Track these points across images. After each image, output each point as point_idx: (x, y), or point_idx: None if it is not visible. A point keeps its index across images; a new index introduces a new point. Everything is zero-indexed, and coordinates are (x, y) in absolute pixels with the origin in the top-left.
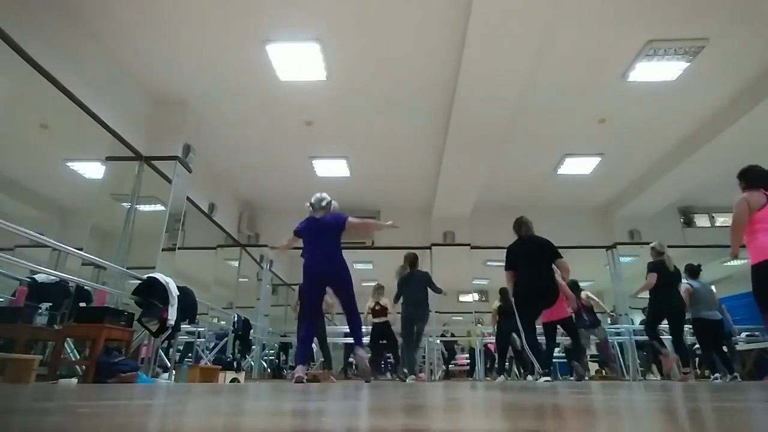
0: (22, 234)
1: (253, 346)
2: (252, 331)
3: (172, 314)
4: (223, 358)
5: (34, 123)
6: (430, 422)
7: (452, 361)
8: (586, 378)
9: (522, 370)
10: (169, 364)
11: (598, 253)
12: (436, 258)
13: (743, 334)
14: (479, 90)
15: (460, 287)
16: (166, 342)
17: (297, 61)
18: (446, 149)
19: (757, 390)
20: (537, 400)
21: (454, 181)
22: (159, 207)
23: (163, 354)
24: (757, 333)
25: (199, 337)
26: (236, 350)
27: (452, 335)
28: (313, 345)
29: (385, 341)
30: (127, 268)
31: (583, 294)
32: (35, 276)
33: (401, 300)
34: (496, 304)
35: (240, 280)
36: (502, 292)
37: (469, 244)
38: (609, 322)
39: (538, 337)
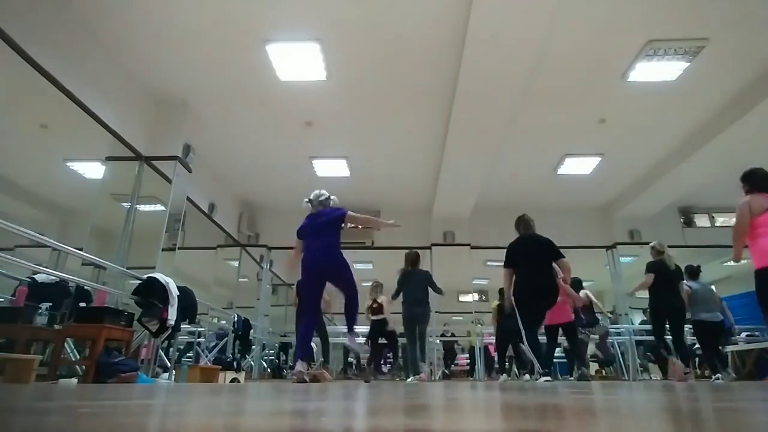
0: (22, 234)
1: (253, 346)
2: (252, 331)
3: (172, 314)
4: (223, 358)
5: (34, 123)
6: (430, 422)
7: (452, 362)
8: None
9: (520, 370)
10: (169, 364)
11: (598, 253)
12: (436, 258)
13: (743, 334)
14: (479, 90)
15: (460, 287)
16: (166, 342)
17: (297, 61)
18: (446, 149)
19: (756, 390)
20: (537, 400)
21: (454, 181)
22: (159, 207)
23: (163, 354)
24: (757, 333)
25: (199, 337)
26: (236, 350)
27: (452, 335)
28: (313, 345)
29: (385, 340)
30: (127, 268)
31: (582, 293)
32: (35, 276)
33: (401, 299)
34: (496, 303)
35: (240, 280)
36: (502, 292)
37: (469, 244)
38: (608, 322)
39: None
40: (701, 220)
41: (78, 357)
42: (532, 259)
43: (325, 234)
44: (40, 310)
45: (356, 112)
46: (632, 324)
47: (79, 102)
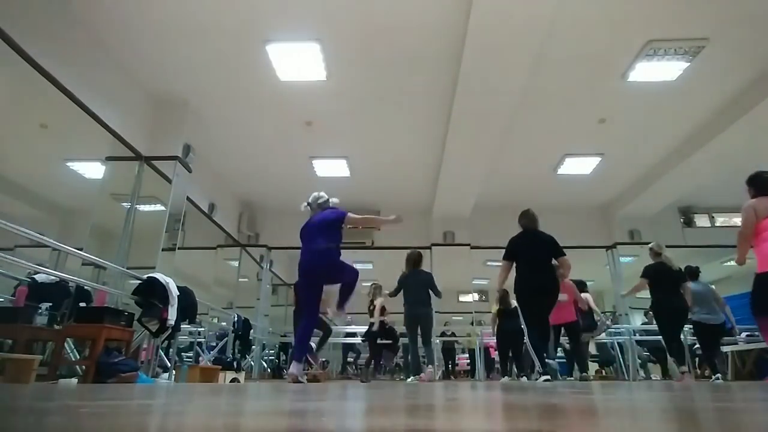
0: (22, 234)
1: (253, 346)
2: (252, 331)
3: (172, 314)
4: (223, 358)
5: (34, 123)
6: (430, 422)
7: (452, 362)
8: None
9: (520, 372)
10: (169, 364)
11: (598, 253)
12: (436, 258)
13: (743, 334)
14: (479, 90)
15: (460, 287)
16: (166, 342)
17: (297, 61)
18: (446, 149)
19: (756, 390)
20: (536, 400)
21: (454, 181)
22: (159, 207)
23: (163, 354)
24: (757, 333)
25: (197, 337)
26: (236, 350)
27: (452, 334)
28: (312, 344)
29: (389, 341)
30: (127, 268)
31: (583, 295)
32: (35, 276)
33: (403, 299)
34: (495, 307)
35: (240, 280)
36: (502, 293)
37: (469, 244)
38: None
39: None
40: (701, 220)
41: (78, 357)
42: (533, 255)
43: (320, 236)
44: (40, 310)
45: (356, 112)
46: (632, 324)
47: (79, 102)
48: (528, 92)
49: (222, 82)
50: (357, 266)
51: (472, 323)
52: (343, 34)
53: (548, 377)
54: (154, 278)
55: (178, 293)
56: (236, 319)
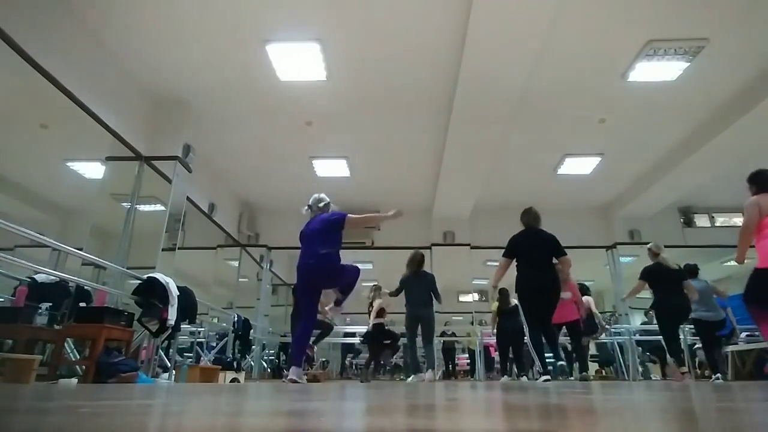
0: (22, 234)
1: (253, 346)
2: (252, 331)
3: (172, 314)
4: (223, 358)
5: (34, 123)
6: (430, 422)
7: (453, 361)
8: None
9: (519, 372)
10: (169, 364)
11: (598, 253)
12: (436, 258)
13: (743, 334)
14: (479, 90)
15: (460, 287)
16: (166, 342)
17: (297, 61)
18: (446, 149)
19: (756, 390)
20: (536, 400)
21: (454, 181)
22: (159, 207)
23: (163, 354)
24: (757, 333)
25: (198, 337)
26: (236, 350)
27: (453, 334)
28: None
29: (387, 341)
30: (127, 268)
31: (585, 299)
32: (35, 276)
33: (404, 300)
34: (495, 305)
35: (240, 280)
36: (502, 292)
37: (469, 244)
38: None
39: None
40: (701, 220)
41: (78, 357)
42: (534, 254)
43: (319, 239)
44: (40, 310)
45: (356, 113)
46: (632, 324)
47: (79, 102)
48: (528, 92)
49: (222, 82)
50: (357, 267)
51: (472, 323)
52: (343, 35)
53: (548, 377)
54: (154, 278)
55: (178, 293)
56: (236, 319)
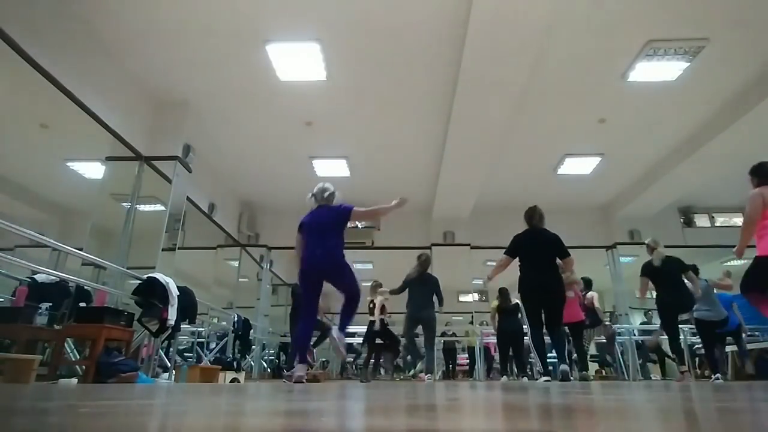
0: (22, 234)
1: (253, 346)
2: (252, 331)
3: (172, 314)
4: (223, 358)
5: (34, 123)
6: (430, 422)
7: (453, 362)
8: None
9: (519, 372)
10: (169, 364)
11: (598, 253)
12: (436, 258)
13: (743, 335)
14: (479, 90)
15: (460, 287)
16: (166, 342)
17: (297, 61)
18: (446, 149)
19: (756, 390)
20: (536, 400)
21: (454, 181)
22: (159, 207)
23: (163, 354)
24: (757, 333)
25: (199, 337)
26: (236, 350)
27: (453, 334)
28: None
29: (383, 341)
30: (127, 268)
31: (589, 294)
32: (35, 276)
33: (407, 299)
34: (495, 303)
35: (240, 280)
36: (502, 291)
37: (469, 244)
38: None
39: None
40: (701, 220)
41: (78, 357)
42: (537, 254)
43: (327, 233)
44: (40, 310)
45: (356, 112)
46: (632, 324)
47: (79, 102)
48: (528, 92)
49: (222, 82)
50: (357, 266)
51: (471, 322)
52: (343, 34)
53: (548, 378)
54: (154, 278)
55: (178, 293)
56: (236, 319)
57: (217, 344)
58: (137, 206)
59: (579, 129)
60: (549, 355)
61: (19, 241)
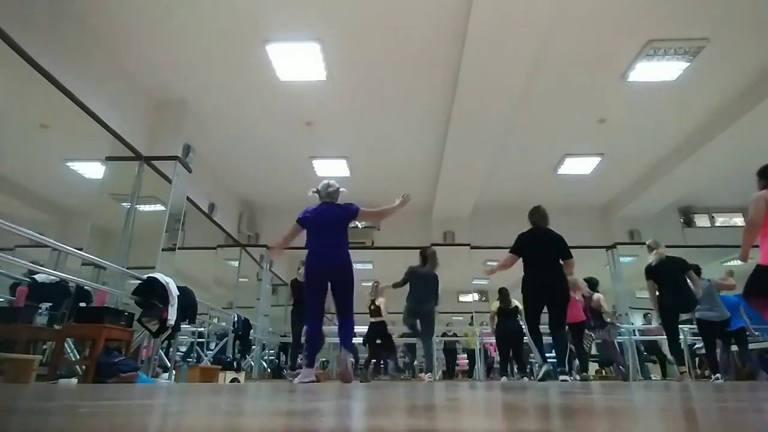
0: (22, 234)
1: (253, 346)
2: (252, 331)
3: (172, 314)
4: (223, 358)
5: (34, 123)
6: (430, 422)
7: (454, 362)
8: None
9: (519, 372)
10: (169, 364)
11: (598, 253)
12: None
13: (748, 338)
14: (479, 90)
15: (460, 287)
16: (166, 342)
17: (297, 61)
18: (446, 149)
19: (756, 390)
20: (537, 400)
21: (454, 181)
22: (159, 207)
23: (163, 354)
24: (757, 333)
25: (200, 337)
26: (236, 350)
27: (454, 335)
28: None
29: (381, 341)
30: (127, 268)
31: (595, 296)
32: (35, 276)
33: (408, 293)
34: (496, 305)
35: (240, 280)
36: (502, 292)
37: (469, 244)
38: (615, 330)
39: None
40: (701, 220)
41: (78, 357)
42: (541, 253)
43: (334, 231)
44: (40, 310)
45: (356, 112)
46: (632, 324)
47: (79, 102)
48: (528, 92)
49: (222, 82)
50: (357, 266)
51: (471, 323)
52: (343, 34)
53: (549, 368)
54: (154, 278)
55: (178, 293)
56: (236, 319)
57: (217, 344)
58: (137, 206)
59: (579, 129)
60: (549, 355)
61: (19, 241)
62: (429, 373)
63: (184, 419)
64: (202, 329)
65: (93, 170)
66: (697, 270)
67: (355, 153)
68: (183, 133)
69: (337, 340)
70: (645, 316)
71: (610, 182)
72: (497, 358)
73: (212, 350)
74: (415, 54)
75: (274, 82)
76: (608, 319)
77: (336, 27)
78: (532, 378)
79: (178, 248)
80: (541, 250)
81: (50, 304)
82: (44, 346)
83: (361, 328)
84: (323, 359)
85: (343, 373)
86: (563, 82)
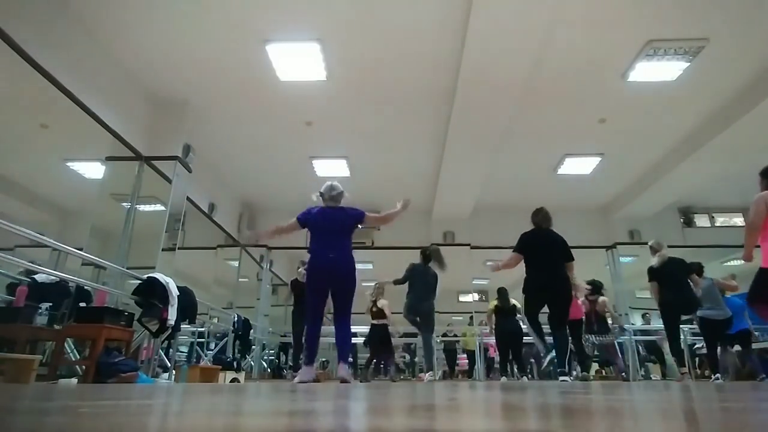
0: (22, 234)
1: (253, 346)
2: (252, 331)
3: (172, 314)
4: (223, 358)
5: (34, 123)
6: (430, 422)
7: (454, 362)
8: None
9: (520, 371)
10: (169, 364)
11: (598, 253)
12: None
13: (751, 340)
14: (479, 90)
15: (460, 287)
16: (166, 342)
17: (297, 61)
18: (446, 149)
19: (756, 390)
20: (537, 400)
21: (454, 181)
22: (159, 207)
23: (163, 354)
24: (757, 333)
25: (200, 337)
26: (236, 350)
27: (455, 335)
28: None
29: (381, 344)
30: (127, 268)
31: (600, 299)
32: (35, 276)
33: (407, 290)
34: (493, 303)
35: (240, 280)
36: (501, 291)
37: (469, 244)
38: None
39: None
40: (701, 220)
41: (78, 357)
42: (544, 254)
43: (339, 235)
44: (40, 310)
45: (356, 113)
46: (632, 324)
47: (79, 102)
48: (528, 92)
49: (222, 82)
50: (357, 266)
51: (470, 323)
52: (343, 34)
53: (551, 353)
54: (154, 278)
55: (178, 293)
56: (236, 319)
57: (217, 344)
58: (137, 206)
59: (579, 129)
60: (550, 356)
61: (19, 241)
62: (429, 373)
63: (184, 419)
64: (202, 329)
65: (93, 170)
66: (701, 268)
67: (355, 153)
68: (183, 133)
69: (334, 339)
70: (644, 316)
71: (610, 182)
72: (497, 359)
73: (212, 350)
74: (415, 54)
75: (274, 82)
76: (612, 322)
77: (336, 27)
78: (531, 377)
79: (178, 248)
80: (544, 250)
81: (50, 304)
82: (44, 346)
83: (360, 329)
84: (323, 359)
85: (342, 380)
86: (563, 82)
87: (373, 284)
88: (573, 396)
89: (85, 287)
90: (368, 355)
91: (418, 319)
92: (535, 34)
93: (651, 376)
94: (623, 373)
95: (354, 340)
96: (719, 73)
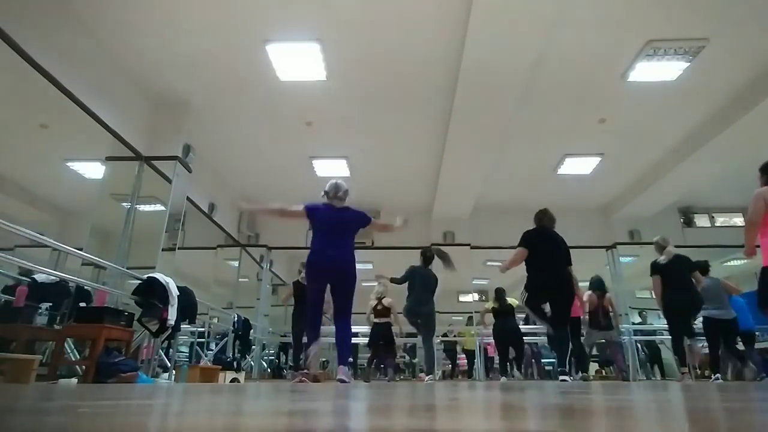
0: (22, 234)
1: (253, 346)
2: (252, 331)
3: (172, 314)
4: (223, 358)
5: (34, 123)
6: (430, 422)
7: (454, 362)
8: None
9: (519, 371)
10: (169, 364)
11: (598, 253)
12: (436, 258)
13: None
14: (479, 90)
15: (460, 287)
16: (166, 342)
17: (297, 61)
18: (446, 149)
19: (756, 390)
20: (537, 400)
21: (454, 181)
22: (159, 207)
23: (163, 354)
24: (757, 333)
25: (200, 337)
26: (236, 350)
27: (455, 335)
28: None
29: (383, 342)
30: (127, 268)
31: (607, 295)
32: (35, 276)
33: (407, 292)
34: (490, 304)
35: (240, 280)
36: (498, 291)
37: (469, 244)
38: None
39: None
40: (701, 220)
41: (78, 357)
42: (546, 254)
43: (344, 233)
44: (40, 310)
45: (356, 113)
46: (632, 324)
47: (79, 102)
48: (528, 92)
49: (222, 82)
50: (357, 266)
51: (471, 323)
52: (343, 34)
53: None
54: (154, 278)
55: (178, 293)
56: (236, 319)
57: (217, 344)
58: (137, 206)
59: (579, 129)
60: (549, 357)
61: (19, 241)
62: (430, 375)
63: (184, 420)
64: (202, 329)
65: (93, 170)
66: (706, 267)
67: (355, 153)
68: (183, 133)
69: (333, 339)
70: (640, 314)
71: (610, 182)
72: (497, 359)
73: (212, 350)
74: (416, 54)
75: (274, 82)
76: (616, 323)
77: (336, 27)
78: (525, 376)
79: (178, 248)
80: (547, 250)
81: (50, 304)
82: (44, 346)
83: (360, 329)
84: (323, 359)
85: (341, 382)
86: (563, 82)
87: (375, 284)
88: (573, 396)
89: (85, 287)
90: (369, 355)
91: (419, 321)
92: (535, 34)
93: (651, 376)
94: (623, 373)
95: (355, 340)
96: (719, 73)
